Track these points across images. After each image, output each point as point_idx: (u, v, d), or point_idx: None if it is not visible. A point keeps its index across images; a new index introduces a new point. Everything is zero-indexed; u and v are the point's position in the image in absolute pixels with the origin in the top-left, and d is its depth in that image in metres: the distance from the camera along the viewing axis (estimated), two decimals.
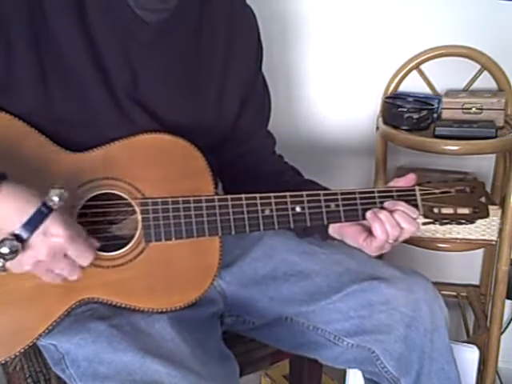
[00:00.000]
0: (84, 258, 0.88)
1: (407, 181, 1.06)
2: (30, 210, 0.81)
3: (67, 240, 0.84)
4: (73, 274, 0.89)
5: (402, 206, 1.01)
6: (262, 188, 1.01)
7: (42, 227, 0.82)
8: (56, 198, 0.83)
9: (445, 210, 1.05)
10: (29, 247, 0.82)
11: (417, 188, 1.05)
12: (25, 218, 0.81)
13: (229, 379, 1.01)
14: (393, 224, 1.00)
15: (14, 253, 0.80)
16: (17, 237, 0.81)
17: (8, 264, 0.83)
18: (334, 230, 1.09)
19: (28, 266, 0.85)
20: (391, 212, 1.01)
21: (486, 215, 1.06)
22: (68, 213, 0.89)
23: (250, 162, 1.22)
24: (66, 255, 0.86)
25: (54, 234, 0.83)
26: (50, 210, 0.83)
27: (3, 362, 0.93)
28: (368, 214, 1.02)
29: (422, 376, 1.08)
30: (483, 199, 1.06)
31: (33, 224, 0.81)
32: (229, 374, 1.02)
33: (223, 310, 1.15)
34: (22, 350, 0.93)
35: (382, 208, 1.02)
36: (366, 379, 1.19)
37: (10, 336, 0.93)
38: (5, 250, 0.80)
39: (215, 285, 1.12)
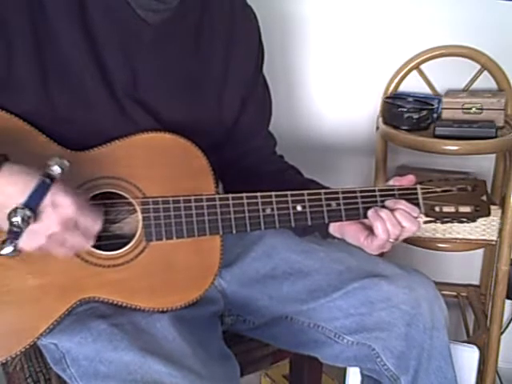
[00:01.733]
0: (94, 224, 0.87)
1: (406, 182, 1.06)
2: (32, 183, 0.81)
3: (76, 208, 0.84)
4: (86, 243, 0.88)
5: (403, 204, 1.01)
6: (263, 188, 1.01)
7: (48, 199, 0.82)
8: (56, 167, 0.83)
9: (446, 209, 1.05)
10: (40, 220, 0.82)
11: (418, 186, 1.05)
12: (29, 191, 0.81)
13: (229, 379, 1.00)
14: (394, 223, 1.00)
15: (25, 221, 0.80)
16: (26, 206, 0.80)
17: (22, 242, 0.82)
18: (334, 228, 1.09)
19: (42, 240, 0.84)
20: (392, 211, 1.01)
21: (488, 213, 1.06)
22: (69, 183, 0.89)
23: (250, 161, 1.22)
24: (76, 225, 0.86)
25: (63, 205, 0.83)
26: (53, 179, 0.83)
27: (3, 361, 0.93)
28: (369, 213, 1.02)
29: (421, 373, 1.08)
30: (484, 198, 1.06)
31: (38, 194, 0.81)
32: (229, 373, 1.02)
33: (223, 309, 1.15)
34: (23, 350, 0.93)
35: (383, 207, 1.02)
36: (364, 376, 1.19)
37: (11, 335, 0.93)
38: (17, 218, 0.79)
39: (216, 284, 1.12)
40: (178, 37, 1.06)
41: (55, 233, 0.84)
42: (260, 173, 1.20)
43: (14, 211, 0.80)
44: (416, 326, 1.06)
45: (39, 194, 0.81)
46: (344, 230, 1.07)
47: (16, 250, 0.82)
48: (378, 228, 1.00)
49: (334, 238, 1.10)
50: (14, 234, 0.81)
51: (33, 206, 0.81)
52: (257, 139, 1.24)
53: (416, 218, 1.01)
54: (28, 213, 0.80)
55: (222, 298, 1.14)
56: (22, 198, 0.80)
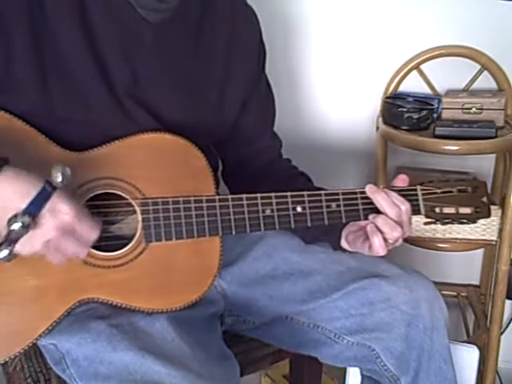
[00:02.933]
0: (91, 233, 0.87)
1: (399, 181, 1.05)
2: (34, 190, 0.81)
3: (74, 216, 0.84)
4: (81, 251, 0.88)
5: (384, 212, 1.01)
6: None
7: (48, 205, 0.82)
8: (59, 176, 0.83)
9: (446, 210, 1.05)
10: (38, 226, 0.82)
11: (418, 188, 1.05)
12: (30, 197, 0.81)
13: (229, 379, 1.01)
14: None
15: (25, 228, 0.80)
16: (26, 213, 0.80)
17: (19, 247, 0.82)
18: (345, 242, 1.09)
19: (38, 245, 0.84)
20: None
21: (488, 215, 1.06)
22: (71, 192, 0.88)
23: (256, 165, 1.22)
24: (73, 233, 0.85)
25: (61, 212, 0.83)
26: (54, 188, 0.83)
27: (3, 361, 0.94)
28: (368, 228, 1.01)
29: (421, 374, 1.08)
30: (485, 199, 1.06)
31: (39, 201, 0.81)
32: (229, 373, 1.02)
33: (223, 309, 1.15)
34: (22, 350, 0.93)
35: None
36: (364, 377, 1.19)
37: (11, 336, 0.93)
38: (17, 225, 0.79)
39: (215, 285, 1.12)
40: (179, 36, 1.06)
41: (51, 239, 0.84)
42: (267, 177, 1.19)
43: (14, 217, 0.79)
44: (416, 326, 1.06)
45: (40, 201, 0.81)
46: (348, 240, 1.07)
47: (11, 254, 0.82)
48: (375, 243, 1.00)
49: (345, 251, 1.11)
50: (12, 239, 0.81)
51: (33, 213, 0.81)
52: (261, 141, 1.24)
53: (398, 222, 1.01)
54: (28, 220, 0.80)
55: (221, 299, 1.14)
56: (22, 204, 0.80)
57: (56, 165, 0.84)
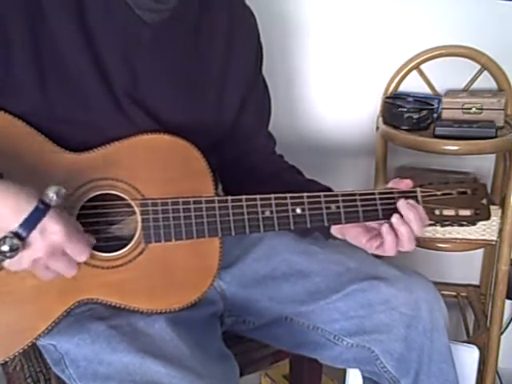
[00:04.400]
0: (81, 254, 0.87)
1: (404, 186, 1.05)
2: (27, 208, 0.81)
3: (64, 237, 0.84)
4: (70, 271, 0.88)
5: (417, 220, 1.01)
6: (263, 188, 1.01)
7: (39, 225, 0.82)
8: (53, 196, 0.83)
9: (446, 212, 1.05)
10: (27, 245, 0.82)
11: (418, 189, 1.05)
12: (23, 216, 0.81)
13: (229, 379, 1.01)
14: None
15: (14, 251, 0.80)
16: (16, 235, 0.80)
17: (6, 264, 0.83)
18: (335, 229, 1.08)
19: (26, 264, 0.84)
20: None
21: (488, 217, 1.06)
22: (65, 211, 0.88)
23: (250, 162, 1.22)
24: (63, 252, 0.86)
25: (51, 232, 0.83)
26: (48, 207, 0.83)
27: (3, 361, 0.94)
28: (383, 229, 1.01)
29: (421, 375, 1.08)
30: (485, 201, 1.06)
31: (31, 222, 0.81)
32: (229, 374, 1.02)
33: (223, 310, 1.15)
34: (22, 350, 0.93)
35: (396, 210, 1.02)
36: (365, 378, 1.19)
37: (10, 336, 0.93)
38: (5, 247, 0.80)
39: (215, 285, 1.12)
40: (178, 37, 1.06)
41: (40, 258, 0.84)
42: (260, 174, 1.19)
43: (3, 240, 0.80)
44: (415, 328, 1.06)
45: (32, 221, 0.81)
46: (344, 232, 1.07)
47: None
48: (389, 243, 1.00)
49: (335, 238, 1.10)
50: (3, 256, 0.81)
51: (23, 234, 0.81)
52: (257, 139, 1.24)
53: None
54: (17, 242, 0.80)
55: (221, 299, 1.14)
56: (15, 223, 0.80)
57: (51, 185, 0.84)
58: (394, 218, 1.01)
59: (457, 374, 1.11)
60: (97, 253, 0.94)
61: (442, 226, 1.06)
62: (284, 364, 1.38)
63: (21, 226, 0.81)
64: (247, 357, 1.19)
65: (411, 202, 1.02)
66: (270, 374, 1.85)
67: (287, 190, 1.02)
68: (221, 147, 1.19)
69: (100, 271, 0.95)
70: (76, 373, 0.94)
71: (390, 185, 1.06)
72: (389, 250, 1.01)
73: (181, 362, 0.92)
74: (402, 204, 1.01)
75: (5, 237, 0.80)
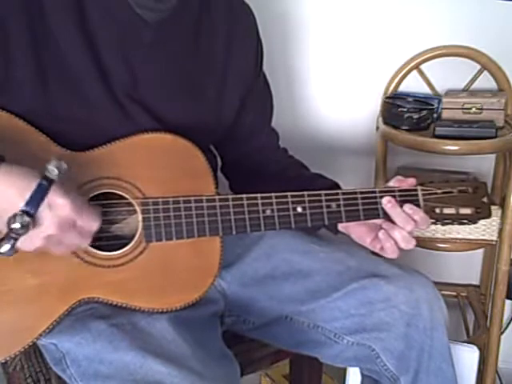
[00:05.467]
0: (92, 223, 0.87)
1: (407, 185, 1.05)
2: (31, 186, 0.81)
3: (73, 209, 0.84)
4: (84, 242, 0.89)
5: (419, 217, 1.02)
6: (269, 186, 1.01)
7: (46, 201, 0.82)
8: (55, 170, 0.83)
9: (447, 210, 1.05)
10: (38, 223, 0.82)
11: (419, 188, 1.05)
12: (28, 195, 0.81)
13: (229, 379, 1.00)
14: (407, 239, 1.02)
15: (25, 227, 0.80)
16: (24, 212, 0.80)
17: (19, 243, 0.82)
18: (341, 226, 1.09)
19: (39, 241, 0.84)
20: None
21: (489, 215, 1.06)
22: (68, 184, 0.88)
23: (255, 160, 1.22)
24: (74, 225, 0.86)
25: (59, 206, 0.83)
26: (51, 182, 0.83)
27: (3, 361, 0.94)
28: (380, 235, 1.02)
29: (421, 374, 1.08)
30: (485, 199, 1.06)
31: (36, 198, 0.81)
32: (229, 373, 1.02)
33: (223, 309, 1.15)
34: (22, 350, 0.93)
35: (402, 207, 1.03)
36: (364, 376, 1.19)
37: (11, 335, 0.93)
38: (17, 225, 0.80)
39: (216, 284, 1.12)
40: (178, 36, 1.06)
41: (52, 235, 0.84)
42: (266, 172, 1.20)
43: (13, 217, 0.80)
44: (416, 326, 1.07)
45: (38, 197, 0.81)
46: (350, 230, 1.07)
47: (13, 249, 0.82)
48: (389, 248, 1.02)
49: (344, 234, 1.11)
50: (13, 237, 0.81)
51: (32, 211, 0.81)
52: (260, 138, 1.24)
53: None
54: (27, 219, 0.80)
55: (222, 299, 1.14)
56: (20, 202, 0.80)
57: (51, 159, 0.84)
58: (384, 225, 1.03)
59: (455, 373, 1.11)
60: (98, 252, 0.95)
61: (443, 224, 1.06)
62: (284, 364, 1.39)
63: (27, 203, 0.81)
64: (247, 357, 1.19)
65: (393, 203, 1.02)
66: (270, 374, 1.85)
67: (293, 186, 1.02)
68: (222, 146, 1.19)
69: (101, 270, 0.95)
70: (77, 372, 0.93)
71: (392, 183, 1.06)
72: (390, 254, 1.03)
73: (182, 361, 0.92)
74: (387, 208, 1.02)
75: (15, 215, 0.80)
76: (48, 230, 0.83)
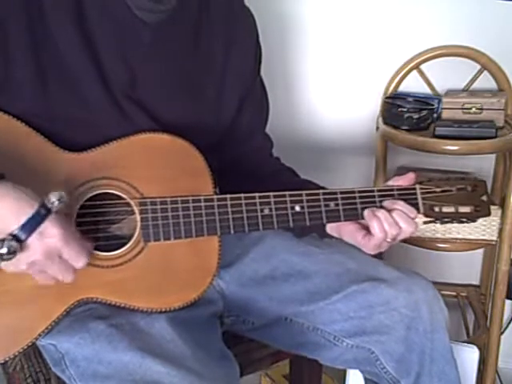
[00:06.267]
0: (78, 259, 0.87)
1: (407, 180, 1.05)
2: (28, 211, 0.81)
3: (62, 241, 0.84)
4: (66, 276, 0.88)
5: (401, 205, 1.01)
6: (260, 189, 1.01)
7: (38, 229, 0.82)
8: (55, 201, 0.83)
9: (446, 209, 1.04)
10: (25, 248, 0.82)
11: (417, 186, 1.04)
12: (23, 219, 0.81)
13: (229, 379, 1.00)
14: (391, 222, 0.99)
15: (12, 253, 0.80)
16: (15, 237, 0.80)
17: (3, 265, 0.83)
18: (331, 228, 1.08)
19: (23, 266, 0.84)
20: (389, 211, 1.00)
21: (488, 214, 1.06)
22: (66, 214, 0.89)
23: (249, 163, 1.22)
24: (60, 257, 0.86)
25: (49, 235, 0.83)
26: (49, 211, 0.83)
27: (3, 361, 0.94)
28: (366, 213, 1.01)
29: (423, 377, 1.08)
30: (484, 198, 1.06)
31: (31, 225, 0.81)
32: (229, 373, 1.02)
33: (223, 310, 1.15)
34: (22, 350, 0.93)
35: (381, 207, 1.02)
36: (366, 379, 1.19)
37: (10, 336, 0.93)
38: (3, 250, 0.80)
39: (214, 285, 1.12)
40: (177, 37, 1.06)
41: (36, 261, 0.84)
42: (259, 175, 1.19)
43: (1, 242, 0.80)
44: (416, 329, 1.06)
45: (32, 224, 0.81)
46: (341, 229, 1.06)
47: None
48: (375, 227, 0.99)
49: (331, 237, 1.10)
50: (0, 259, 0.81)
51: (23, 237, 0.81)
52: (255, 140, 1.24)
53: (413, 218, 1.01)
54: (15, 245, 0.80)
55: (220, 299, 1.14)
56: (14, 225, 0.80)
57: (54, 190, 0.84)
58: (366, 210, 1.01)
59: (459, 375, 1.10)
60: (96, 252, 0.95)
61: (442, 223, 1.06)
62: (284, 364, 1.38)
63: (21, 228, 0.81)
64: (247, 357, 1.19)
65: (375, 209, 1.02)
66: (270, 374, 1.85)
67: (283, 190, 1.01)
68: (219, 148, 1.19)
69: (99, 270, 0.95)
70: (76, 372, 0.93)
71: (390, 182, 1.06)
72: (378, 233, 1.00)
73: (181, 361, 0.92)
74: (366, 214, 1.02)
75: (3, 239, 0.80)
76: (34, 256, 0.83)
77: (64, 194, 0.84)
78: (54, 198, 0.83)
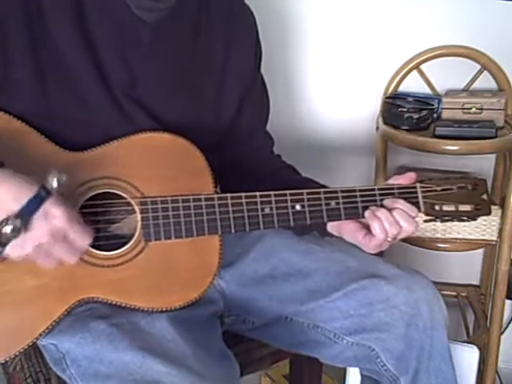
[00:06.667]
0: (83, 238, 0.87)
1: (407, 179, 1.05)
2: (29, 194, 0.81)
3: (66, 221, 0.84)
4: (72, 257, 0.88)
5: (401, 204, 1.01)
6: (261, 188, 1.01)
7: (42, 209, 0.82)
8: (54, 182, 0.83)
9: (446, 207, 1.04)
10: (30, 229, 0.82)
11: (418, 185, 1.05)
12: (24, 201, 0.81)
13: (229, 379, 1.00)
14: (391, 222, 0.99)
15: (15, 231, 0.80)
16: (19, 216, 0.80)
17: (9, 249, 0.82)
18: (332, 227, 1.08)
19: (29, 249, 0.84)
20: (390, 210, 1.00)
21: (488, 212, 1.06)
22: (66, 198, 0.88)
23: (250, 162, 1.22)
24: (65, 238, 0.85)
25: (54, 216, 0.83)
26: (49, 193, 0.83)
27: (3, 361, 0.94)
28: (366, 213, 1.01)
29: (421, 373, 1.08)
30: (485, 196, 1.06)
31: (33, 205, 0.81)
32: (229, 373, 1.02)
33: (223, 309, 1.15)
34: (22, 350, 0.93)
35: (382, 206, 1.02)
36: (363, 377, 1.19)
37: (10, 336, 0.93)
38: (8, 228, 0.80)
39: (215, 284, 1.12)
40: (176, 35, 1.06)
41: (43, 243, 0.84)
42: (260, 174, 1.19)
43: (6, 221, 0.80)
44: (415, 326, 1.06)
45: (33, 205, 0.81)
46: (341, 228, 1.06)
47: (1, 256, 0.83)
48: (376, 228, 0.99)
49: (332, 236, 1.10)
50: (2, 242, 0.81)
51: (25, 216, 0.81)
52: (256, 139, 1.24)
53: (414, 217, 1.01)
54: (19, 224, 0.80)
55: (221, 298, 1.14)
56: (15, 207, 0.80)
57: (52, 170, 0.84)
58: (367, 211, 1.02)
59: (455, 374, 1.11)
60: (97, 251, 0.95)
61: (442, 221, 1.06)
62: (284, 364, 1.39)
63: (22, 208, 0.81)
64: (247, 357, 1.19)
65: (375, 209, 1.02)
66: (270, 374, 1.85)
67: (284, 189, 1.02)
68: (219, 147, 1.19)
69: (100, 270, 0.95)
70: (77, 372, 0.93)
71: (390, 181, 1.06)
72: (378, 234, 1.00)
73: (182, 361, 0.92)
74: (367, 214, 1.02)
75: (7, 218, 0.80)
76: (40, 239, 0.83)
77: (63, 175, 0.84)
78: (52, 180, 0.83)
